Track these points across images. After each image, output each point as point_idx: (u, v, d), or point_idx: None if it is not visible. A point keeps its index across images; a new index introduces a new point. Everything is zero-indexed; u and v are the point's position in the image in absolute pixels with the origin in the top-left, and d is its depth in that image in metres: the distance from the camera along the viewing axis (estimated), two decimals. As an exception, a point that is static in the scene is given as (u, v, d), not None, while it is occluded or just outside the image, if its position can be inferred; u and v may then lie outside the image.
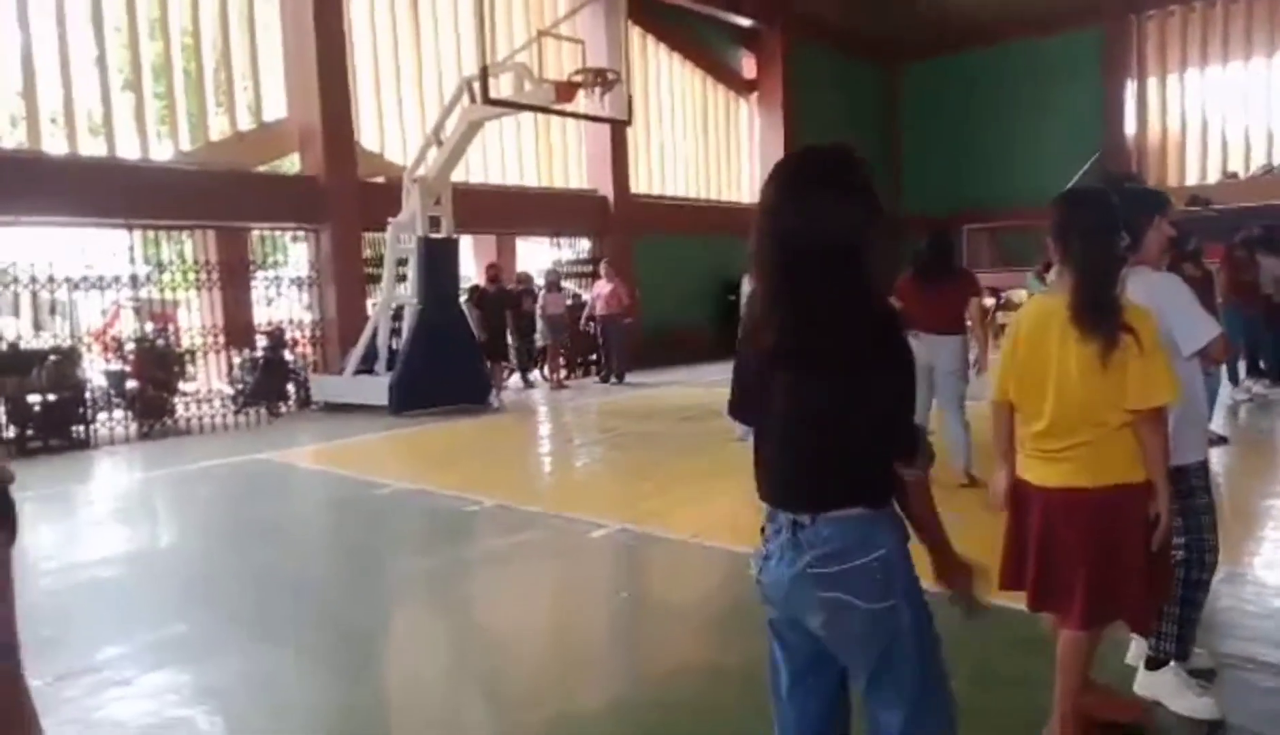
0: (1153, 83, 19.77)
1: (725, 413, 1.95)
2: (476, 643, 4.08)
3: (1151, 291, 2.65)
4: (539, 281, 14.43)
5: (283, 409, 11.97)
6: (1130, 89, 19.78)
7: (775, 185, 1.74)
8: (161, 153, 12.20)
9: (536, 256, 17.48)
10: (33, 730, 0.95)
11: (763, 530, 1.85)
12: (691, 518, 5.73)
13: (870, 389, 1.69)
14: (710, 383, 13.37)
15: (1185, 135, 19.57)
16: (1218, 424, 7.12)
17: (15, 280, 10.29)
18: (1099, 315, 2.40)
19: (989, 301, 9.92)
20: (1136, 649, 3.13)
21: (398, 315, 11.87)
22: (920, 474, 1.77)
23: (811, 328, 1.67)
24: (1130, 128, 19.83)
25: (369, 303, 12.68)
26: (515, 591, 4.73)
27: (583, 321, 14.49)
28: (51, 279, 10.47)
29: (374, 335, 11.78)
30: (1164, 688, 2.92)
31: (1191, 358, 2.76)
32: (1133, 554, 2.52)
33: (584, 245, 16.89)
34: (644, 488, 6.70)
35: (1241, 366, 9.39)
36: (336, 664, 3.81)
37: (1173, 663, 2.93)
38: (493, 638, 4.12)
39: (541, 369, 14.44)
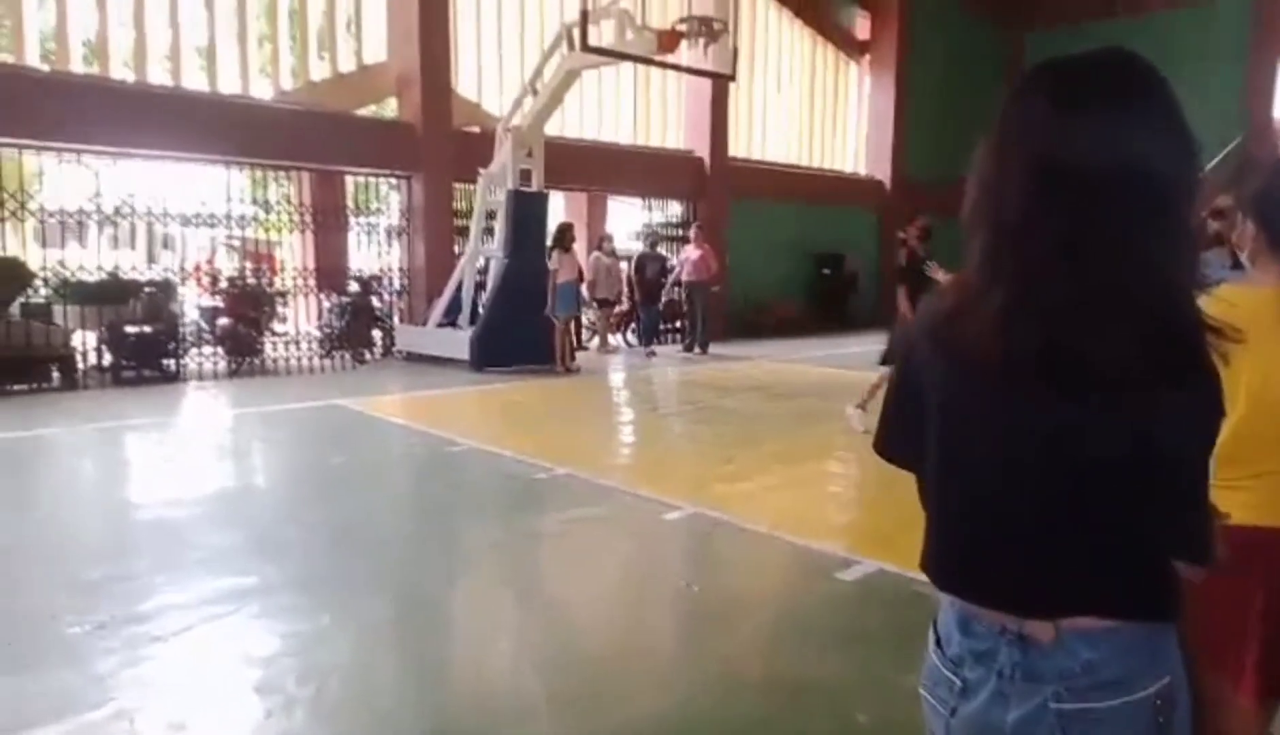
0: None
1: (873, 449, 1.32)
2: (536, 626, 3.81)
3: None
4: (616, 245, 13.96)
5: (367, 356, 12.01)
6: (1282, 69, 18.12)
7: (1041, 99, 1.07)
8: (262, 91, 12.25)
9: (626, 218, 17.12)
10: None
11: (936, 639, 1.24)
12: (774, 507, 5.33)
13: (1164, 429, 1.05)
14: (799, 359, 12.87)
15: (1343, 125, 17.86)
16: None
17: (133, 212, 10.71)
18: None
19: None
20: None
21: (484, 269, 11.72)
22: (1202, 571, 1.17)
23: (1080, 322, 1.03)
24: (1278, 111, 18.19)
25: (456, 254, 12.57)
26: (580, 572, 4.47)
27: (667, 287, 14.10)
28: (166, 213, 10.91)
29: (459, 288, 11.66)
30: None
31: None
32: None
33: (675, 209, 16.44)
34: (724, 469, 6.33)
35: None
36: (391, 636, 3.61)
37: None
38: (552, 621, 3.86)
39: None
